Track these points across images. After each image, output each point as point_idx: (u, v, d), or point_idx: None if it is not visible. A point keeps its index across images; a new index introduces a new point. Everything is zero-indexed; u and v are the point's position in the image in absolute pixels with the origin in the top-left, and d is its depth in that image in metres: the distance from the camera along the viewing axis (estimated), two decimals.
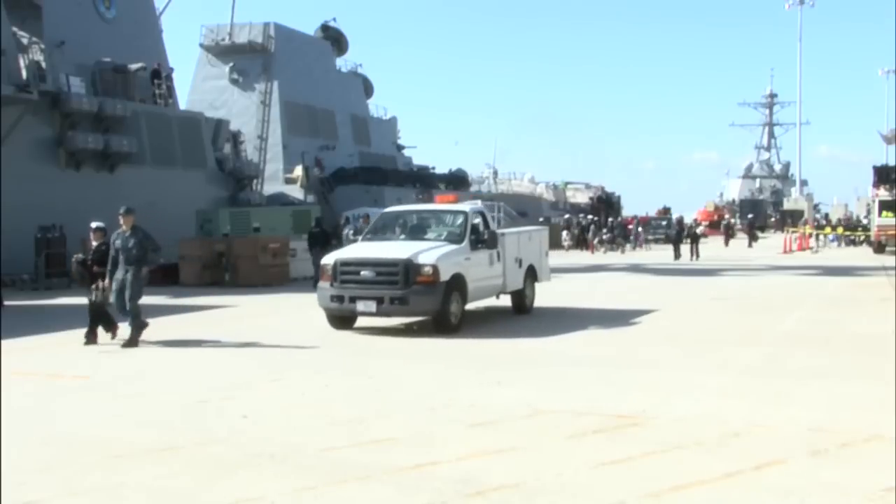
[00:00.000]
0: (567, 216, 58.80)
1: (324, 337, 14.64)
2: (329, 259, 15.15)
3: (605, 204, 63.65)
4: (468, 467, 7.03)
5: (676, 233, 43.63)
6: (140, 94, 34.93)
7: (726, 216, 78.22)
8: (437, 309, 14.50)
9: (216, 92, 48.44)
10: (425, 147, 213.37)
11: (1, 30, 28.12)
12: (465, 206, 16.64)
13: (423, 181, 56.30)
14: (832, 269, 31.26)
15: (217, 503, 6.36)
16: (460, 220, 15.90)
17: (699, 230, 49.34)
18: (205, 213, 32.52)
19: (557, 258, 40.95)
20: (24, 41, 30.69)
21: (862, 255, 41.64)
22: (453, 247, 15.15)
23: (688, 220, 71.75)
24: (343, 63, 58.89)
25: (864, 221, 59.80)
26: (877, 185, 46.27)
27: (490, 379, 10.84)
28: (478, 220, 16.15)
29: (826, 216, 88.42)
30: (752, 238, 56.03)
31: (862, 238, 51.63)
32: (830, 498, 6.31)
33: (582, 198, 76.93)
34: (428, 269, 14.30)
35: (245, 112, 48.06)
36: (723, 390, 10.06)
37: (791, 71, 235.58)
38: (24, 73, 28.84)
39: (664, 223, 63.50)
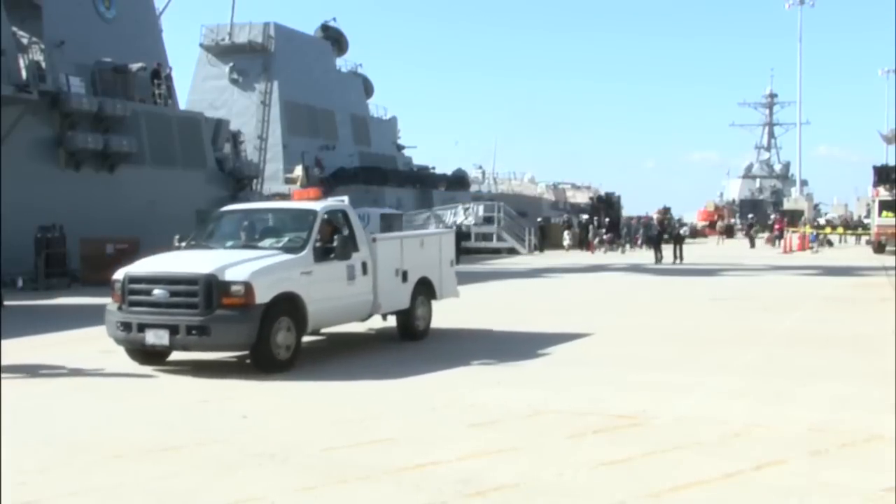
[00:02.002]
0: (567, 216, 58.80)
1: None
2: (119, 273, 11.79)
3: (605, 204, 63.58)
4: (468, 467, 7.03)
5: (658, 233, 40.22)
6: (140, 94, 34.91)
7: (720, 217, 78.35)
8: (251, 342, 11.09)
9: (216, 92, 48.47)
10: (425, 147, 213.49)
11: (1, 30, 28.12)
12: (318, 205, 13.04)
13: (423, 181, 56.32)
14: (832, 269, 31.26)
15: (217, 503, 6.36)
16: (306, 222, 12.46)
17: (683, 231, 46.95)
18: (205, 213, 32.44)
19: (557, 258, 41.01)
20: (24, 41, 30.69)
21: (862, 255, 41.64)
22: (286, 258, 11.79)
23: (689, 221, 72.10)
24: (343, 63, 58.96)
25: (865, 221, 59.79)
26: (877, 185, 46.29)
27: (490, 379, 10.84)
28: (338, 223, 12.83)
29: (825, 216, 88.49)
30: (752, 239, 55.81)
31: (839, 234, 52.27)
32: (830, 498, 6.31)
33: (582, 198, 76.94)
34: (238, 289, 10.92)
35: (245, 112, 48.09)
36: (723, 390, 10.06)
37: (791, 71, 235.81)
38: (23, 73, 28.83)
39: (678, 223, 63.66)
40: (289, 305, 11.47)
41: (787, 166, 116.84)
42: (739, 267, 33.65)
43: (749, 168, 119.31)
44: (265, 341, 11.09)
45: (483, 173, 68.64)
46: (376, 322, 14.47)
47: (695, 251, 44.52)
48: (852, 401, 9.42)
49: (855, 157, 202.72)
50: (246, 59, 49.17)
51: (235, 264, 11.28)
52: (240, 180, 40.91)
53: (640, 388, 10.10)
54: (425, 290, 14.35)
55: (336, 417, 8.86)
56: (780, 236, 55.19)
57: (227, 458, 7.41)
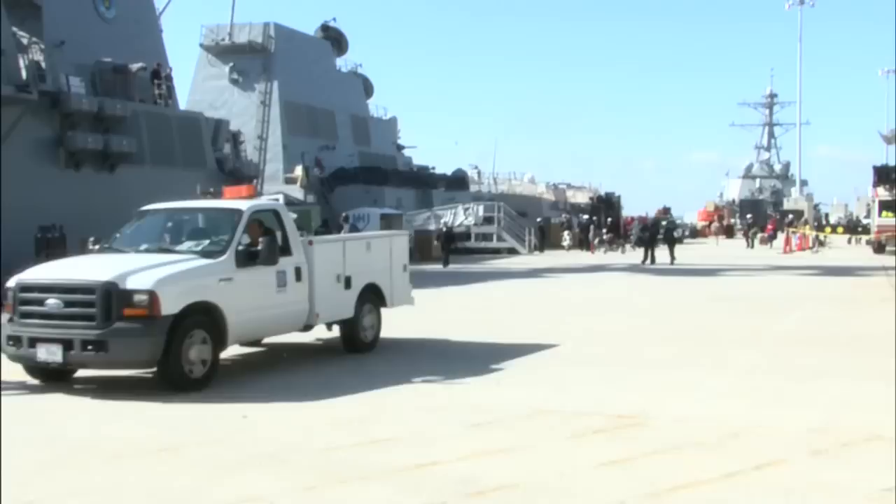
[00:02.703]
0: (567, 216, 58.79)
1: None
2: (11, 281, 10.60)
3: (606, 204, 63.57)
4: (468, 467, 7.03)
5: (650, 234, 38.56)
6: (140, 94, 34.91)
7: (720, 217, 78.32)
8: (155, 358, 9.97)
9: (216, 92, 48.46)
10: (425, 147, 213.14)
11: (1, 30, 28.13)
12: (244, 204, 11.73)
13: (423, 181, 56.31)
14: (832, 270, 31.27)
15: (217, 503, 6.36)
16: (230, 223, 11.24)
17: (676, 232, 44.68)
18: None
19: (557, 258, 41.02)
20: (24, 41, 30.69)
21: (862, 256, 41.66)
22: (201, 263, 10.63)
23: (689, 221, 72.07)
24: (343, 63, 58.94)
25: (865, 221, 59.80)
26: (877, 185, 46.30)
27: (490, 379, 10.85)
28: (270, 224, 11.71)
29: (826, 216, 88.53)
30: (750, 240, 55.74)
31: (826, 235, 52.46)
32: (830, 498, 6.32)
33: (582, 198, 76.91)
34: (141, 298, 9.78)
35: (245, 112, 48.08)
36: (723, 390, 10.06)
37: (791, 71, 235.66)
38: (23, 73, 28.83)
39: (663, 223, 63.58)
40: (204, 316, 10.32)
41: (787, 166, 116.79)
42: (739, 267, 33.65)
43: (749, 168, 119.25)
44: (174, 357, 9.94)
45: (479, 173, 68.56)
46: (324, 332, 13.42)
47: (691, 252, 44.48)
48: (852, 401, 9.43)
49: (855, 157, 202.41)
50: (246, 59, 49.17)
51: (140, 270, 10.11)
52: (240, 180, 40.91)
53: (640, 388, 10.10)
54: (373, 297, 13.16)
55: (336, 417, 8.86)
56: (774, 237, 55.26)
57: (227, 458, 7.42)
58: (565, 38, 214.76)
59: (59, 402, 9.96)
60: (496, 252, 44.52)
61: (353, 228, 28.36)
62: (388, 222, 42.07)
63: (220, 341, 10.53)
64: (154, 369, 10.44)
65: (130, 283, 9.87)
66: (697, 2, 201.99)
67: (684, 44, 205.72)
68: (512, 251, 45.24)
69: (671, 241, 37.95)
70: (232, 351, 11.89)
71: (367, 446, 7.76)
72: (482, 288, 25.31)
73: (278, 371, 11.86)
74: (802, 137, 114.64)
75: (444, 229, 37.75)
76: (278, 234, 11.60)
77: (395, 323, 14.09)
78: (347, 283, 12.55)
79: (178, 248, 11.22)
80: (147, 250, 11.20)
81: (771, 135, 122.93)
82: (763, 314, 17.71)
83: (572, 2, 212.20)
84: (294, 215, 12.80)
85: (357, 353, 12.82)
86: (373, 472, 6.94)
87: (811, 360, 12.03)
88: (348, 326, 12.85)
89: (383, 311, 13.52)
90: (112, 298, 9.78)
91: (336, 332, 13.18)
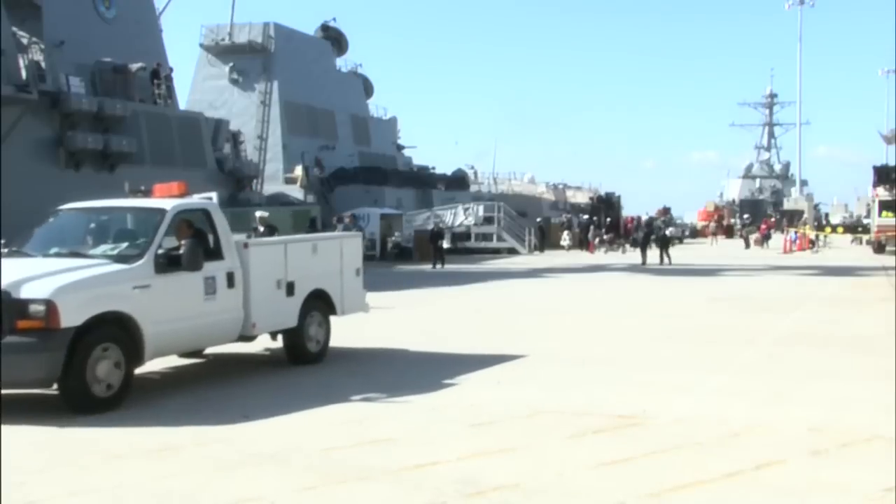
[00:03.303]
0: (567, 216, 58.82)
1: None
2: None
3: (606, 204, 63.60)
4: (468, 467, 7.03)
5: (644, 235, 38.04)
6: (140, 94, 34.95)
7: (720, 217, 78.28)
8: (53, 376, 8.82)
9: (216, 92, 48.49)
10: (425, 147, 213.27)
11: (1, 30, 28.13)
12: (168, 203, 10.62)
13: (423, 181, 56.31)
14: (832, 270, 31.27)
15: (217, 503, 6.36)
16: (151, 224, 10.20)
17: (669, 232, 43.60)
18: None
19: (557, 258, 41.01)
20: (24, 41, 30.72)
21: (862, 256, 41.66)
22: (111, 269, 9.51)
23: (688, 221, 72.04)
24: (343, 63, 58.97)
25: (865, 221, 59.82)
26: (877, 185, 46.33)
27: (490, 379, 10.84)
28: (201, 225, 10.68)
29: (826, 216, 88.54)
30: (747, 240, 55.60)
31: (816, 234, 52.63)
32: (830, 498, 6.32)
33: (582, 198, 76.92)
34: (37, 308, 8.65)
35: (245, 112, 48.10)
36: (723, 390, 10.06)
37: (791, 71, 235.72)
38: (23, 73, 28.86)
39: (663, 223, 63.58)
40: (115, 329, 9.21)
41: (787, 166, 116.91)
42: (739, 267, 33.66)
43: (749, 168, 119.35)
44: (76, 375, 8.81)
45: (475, 173, 68.52)
46: (271, 341, 12.40)
47: (688, 253, 44.40)
48: (852, 401, 9.43)
49: (855, 157, 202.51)
50: (246, 59, 49.19)
51: (39, 277, 8.93)
52: (240, 180, 40.96)
53: (640, 388, 10.09)
54: (321, 304, 12.12)
55: (336, 417, 8.86)
56: (768, 237, 55.26)
57: (227, 458, 7.41)
58: (565, 38, 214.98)
59: (58, 402, 9.96)
60: (496, 252, 44.52)
61: (347, 230, 28.05)
62: (388, 222, 42.10)
63: (134, 356, 9.42)
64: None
65: (25, 292, 8.69)
66: (697, 1, 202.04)
67: (684, 43, 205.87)
68: (512, 251, 45.23)
69: (664, 242, 36.79)
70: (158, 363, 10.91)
71: (367, 446, 7.76)
72: (480, 288, 25.29)
73: (209, 386, 10.65)
74: (802, 137, 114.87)
75: (434, 229, 37.10)
76: (211, 237, 10.66)
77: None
78: (290, 289, 11.49)
79: (93, 251, 10.11)
80: (57, 254, 10.03)
81: (771, 135, 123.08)
82: (763, 314, 17.70)
83: (572, 2, 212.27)
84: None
85: (302, 364, 11.79)
86: (373, 472, 6.93)
87: (811, 360, 12.03)
88: (292, 336, 11.79)
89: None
90: (2, 309, 8.57)
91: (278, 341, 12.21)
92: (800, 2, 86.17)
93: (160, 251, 9.88)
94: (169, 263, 9.82)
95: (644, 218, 53.16)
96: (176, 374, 11.53)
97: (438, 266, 34.00)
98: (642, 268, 33.23)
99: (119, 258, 9.76)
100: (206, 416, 9.03)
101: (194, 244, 10.00)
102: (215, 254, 10.58)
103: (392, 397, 9.74)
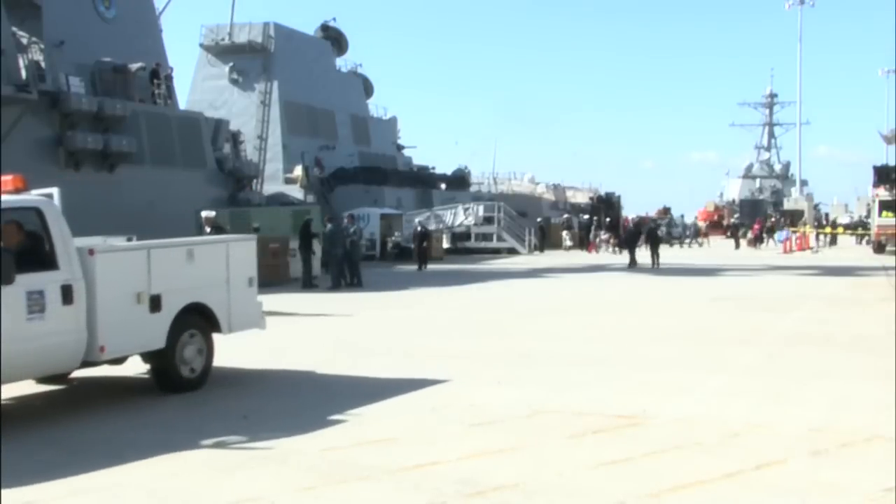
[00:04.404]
0: (567, 216, 58.84)
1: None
2: None
3: (606, 204, 63.61)
4: (468, 467, 7.03)
5: (631, 235, 36.32)
6: (140, 94, 34.95)
7: (720, 217, 78.12)
8: None
9: (216, 92, 48.48)
10: (425, 147, 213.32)
11: (1, 30, 28.14)
12: None
13: (423, 181, 56.32)
14: (832, 270, 31.27)
15: (217, 503, 6.36)
16: None
17: (660, 232, 41.63)
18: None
19: (557, 258, 41.01)
20: (24, 41, 30.72)
21: (862, 256, 41.67)
22: None
23: (689, 221, 71.89)
24: (343, 63, 58.95)
25: (866, 221, 59.79)
26: (877, 185, 46.33)
27: (490, 379, 10.84)
28: (34, 227, 9.05)
29: (826, 216, 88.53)
30: (738, 241, 55.28)
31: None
32: (830, 498, 6.32)
33: (582, 198, 76.94)
34: None
35: (245, 112, 48.09)
36: (723, 390, 10.06)
37: (791, 71, 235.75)
38: (23, 73, 28.85)
39: (663, 223, 63.58)
40: None
41: (787, 166, 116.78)
42: (739, 267, 33.66)
43: (749, 168, 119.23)
44: None
45: (469, 174, 68.45)
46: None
47: (678, 254, 44.24)
48: (852, 401, 9.43)
49: (855, 157, 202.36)
50: (246, 59, 49.18)
51: None
52: (240, 180, 40.95)
53: (641, 388, 10.10)
54: (199, 321, 10.37)
55: (336, 417, 8.86)
56: (761, 238, 55.12)
57: (227, 458, 7.41)
58: (565, 38, 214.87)
59: (58, 403, 9.96)
60: (496, 252, 44.52)
61: (335, 232, 26.45)
62: (388, 222, 42.09)
63: None
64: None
65: None
66: (697, 2, 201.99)
67: (684, 43, 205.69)
68: (512, 251, 45.24)
69: (654, 243, 35.13)
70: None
71: (367, 446, 7.76)
72: (480, 288, 25.29)
73: (42, 423, 8.89)
74: (802, 137, 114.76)
75: (420, 229, 36.09)
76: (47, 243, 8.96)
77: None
78: (154, 303, 9.69)
79: None
80: None
81: (771, 135, 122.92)
82: (763, 314, 17.71)
83: (572, 1, 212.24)
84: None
85: (175, 391, 10.03)
86: (373, 472, 6.93)
87: (811, 360, 12.03)
88: (160, 360, 9.99)
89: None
90: None
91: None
92: (800, 2, 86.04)
93: None
94: None
95: (633, 217, 52.82)
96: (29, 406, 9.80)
97: (423, 267, 33.01)
98: (642, 268, 33.16)
99: None
100: (209, 415, 9.02)
101: (6, 252, 8.27)
102: (48, 262, 8.84)
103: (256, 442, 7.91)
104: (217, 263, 10.75)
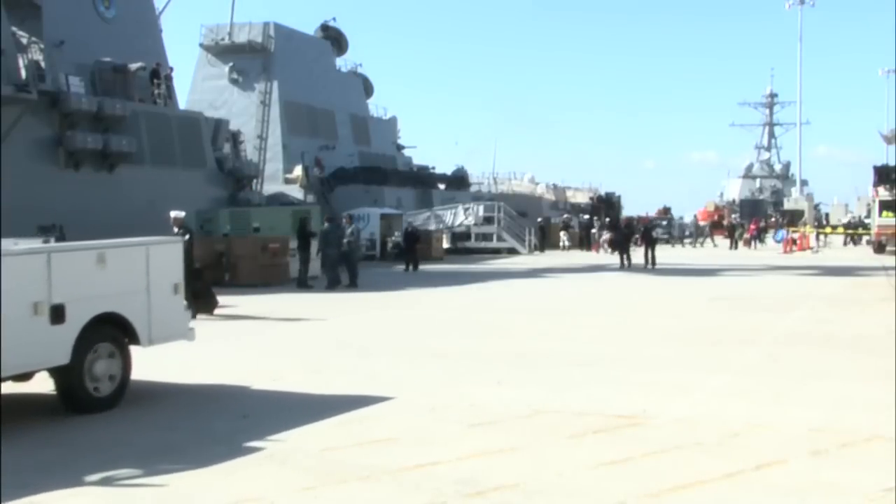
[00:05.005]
0: (567, 216, 58.85)
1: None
2: None
3: (606, 204, 63.64)
4: (468, 467, 7.03)
5: (623, 236, 35.24)
6: (140, 93, 34.94)
7: (720, 217, 78.08)
8: None
9: (216, 92, 48.47)
10: (425, 147, 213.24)
11: (1, 30, 28.13)
12: None
13: (423, 181, 56.32)
14: (832, 270, 31.27)
15: (217, 503, 6.36)
16: None
17: (655, 232, 40.23)
18: (205, 213, 32.48)
19: (557, 258, 41.00)
20: (24, 41, 30.71)
21: (862, 256, 41.67)
22: None
23: (688, 220, 71.83)
24: (343, 63, 58.94)
25: (866, 221, 59.79)
26: (877, 185, 46.33)
27: (490, 379, 10.84)
28: None
29: (826, 216, 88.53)
30: (735, 241, 55.09)
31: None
32: (830, 498, 6.32)
33: (582, 198, 76.98)
34: None
35: (245, 112, 48.08)
36: (723, 390, 10.06)
37: (791, 71, 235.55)
38: (23, 73, 28.84)
39: (664, 223, 63.55)
40: None
41: (787, 166, 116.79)
42: (739, 267, 33.66)
43: (749, 168, 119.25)
44: None
45: (467, 175, 68.38)
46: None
47: (676, 254, 44.21)
48: (852, 401, 9.43)
49: (855, 157, 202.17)
50: (246, 59, 49.17)
51: None
52: (239, 180, 40.94)
53: (641, 388, 10.10)
54: (113, 333, 9.40)
55: (335, 417, 8.85)
56: (757, 238, 55.03)
57: (227, 459, 7.41)
58: (565, 38, 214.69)
59: (58, 403, 9.95)
60: (496, 252, 44.52)
61: (329, 231, 25.43)
62: (388, 222, 42.08)
63: None
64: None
65: None
66: (697, 2, 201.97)
67: (684, 43, 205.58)
68: (512, 251, 45.23)
69: (650, 243, 34.20)
70: None
71: (367, 446, 7.76)
72: (480, 288, 25.29)
73: None
74: (802, 137, 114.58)
75: (409, 229, 35.58)
76: None
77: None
78: (56, 314, 8.64)
79: None
80: None
81: (771, 135, 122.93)
82: (763, 314, 17.71)
83: (572, 2, 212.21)
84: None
85: (83, 412, 8.98)
86: (373, 472, 6.93)
87: (811, 360, 12.03)
88: (64, 377, 8.94)
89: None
90: None
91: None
92: (800, 2, 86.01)
93: None
94: None
95: (623, 218, 52.65)
96: None
97: (411, 268, 32.55)
98: (637, 268, 33.14)
99: None
100: (209, 415, 9.02)
101: None
102: None
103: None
104: (135, 269, 9.72)
